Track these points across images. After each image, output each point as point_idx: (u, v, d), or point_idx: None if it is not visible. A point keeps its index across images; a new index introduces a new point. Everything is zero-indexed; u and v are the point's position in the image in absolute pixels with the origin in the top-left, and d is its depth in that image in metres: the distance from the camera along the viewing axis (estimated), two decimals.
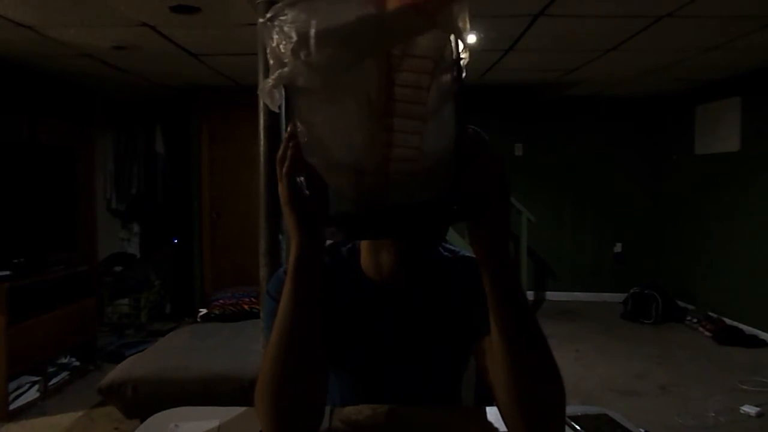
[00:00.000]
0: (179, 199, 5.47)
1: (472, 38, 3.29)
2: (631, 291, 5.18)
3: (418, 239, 0.90)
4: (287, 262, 0.76)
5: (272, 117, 2.03)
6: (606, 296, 5.78)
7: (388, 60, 0.58)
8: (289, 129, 0.65)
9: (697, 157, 5.22)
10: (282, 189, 0.69)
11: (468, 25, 0.60)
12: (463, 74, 0.63)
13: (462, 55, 0.62)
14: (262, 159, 2.05)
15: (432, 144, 0.61)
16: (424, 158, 0.61)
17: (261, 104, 2.04)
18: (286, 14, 0.57)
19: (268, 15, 0.58)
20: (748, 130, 4.56)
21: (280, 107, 0.63)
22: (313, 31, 0.56)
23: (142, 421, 0.99)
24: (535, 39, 3.50)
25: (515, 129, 5.77)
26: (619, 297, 5.42)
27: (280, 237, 2.04)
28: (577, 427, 0.93)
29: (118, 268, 4.96)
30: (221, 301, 3.49)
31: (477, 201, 0.67)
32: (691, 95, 5.25)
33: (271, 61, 0.60)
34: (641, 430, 0.98)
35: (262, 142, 2.04)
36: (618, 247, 5.89)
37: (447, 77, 0.61)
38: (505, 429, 0.76)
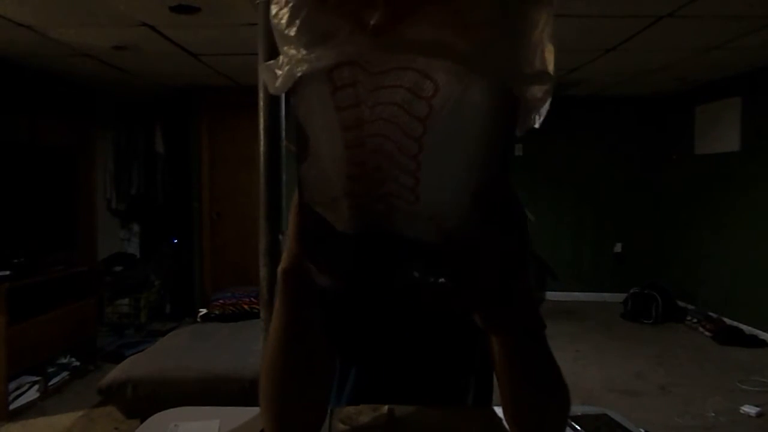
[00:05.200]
0: (179, 199, 5.47)
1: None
2: (631, 291, 5.18)
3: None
4: None
5: (272, 117, 2.03)
6: (606, 296, 5.77)
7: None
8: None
9: (697, 157, 5.22)
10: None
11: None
12: (534, 123, 0.52)
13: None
14: (262, 159, 2.04)
15: (433, 192, 0.51)
16: (420, 203, 0.51)
17: (261, 104, 2.03)
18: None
19: None
20: (748, 130, 4.55)
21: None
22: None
23: (142, 421, 0.99)
24: None
25: None
26: (619, 297, 5.42)
27: (280, 237, 2.04)
28: (577, 427, 0.93)
29: (118, 268, 4.96)
30: (221, 301, 3.49)
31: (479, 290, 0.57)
32: (691, 95, 5.24)
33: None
34: (641, 430, 0.98)
35: (262, 142, 2.04)
36: (618, 247, 5.88)
37: (462, 114, 0.48)
38: (507, 428, 0.76)
